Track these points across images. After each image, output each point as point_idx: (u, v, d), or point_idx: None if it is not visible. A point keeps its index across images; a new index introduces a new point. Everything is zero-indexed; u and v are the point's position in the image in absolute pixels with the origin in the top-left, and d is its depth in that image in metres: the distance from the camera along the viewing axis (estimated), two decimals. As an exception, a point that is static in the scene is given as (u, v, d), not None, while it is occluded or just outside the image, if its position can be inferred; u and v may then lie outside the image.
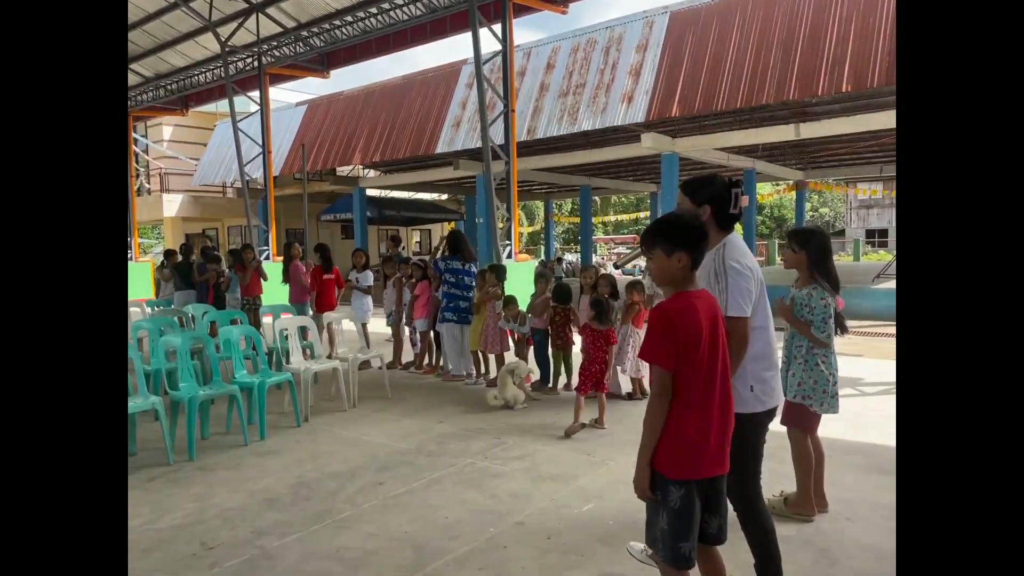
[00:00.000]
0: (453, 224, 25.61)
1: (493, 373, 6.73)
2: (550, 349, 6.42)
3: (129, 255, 17.64)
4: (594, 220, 23.72)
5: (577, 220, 27.90)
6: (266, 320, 8.86)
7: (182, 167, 21.84)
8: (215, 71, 15.14)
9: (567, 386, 6.43)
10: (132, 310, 8.48)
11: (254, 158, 14.23)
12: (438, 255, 7.22)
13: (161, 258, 11.05)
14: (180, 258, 9.78)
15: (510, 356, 6.65)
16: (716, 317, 2.07)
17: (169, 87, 16.44)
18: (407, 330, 7.86)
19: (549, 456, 4.46)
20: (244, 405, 5.00)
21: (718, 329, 2.06)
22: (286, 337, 6.08)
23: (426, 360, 7.60)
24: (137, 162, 20.37)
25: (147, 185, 22.33)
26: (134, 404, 4.49)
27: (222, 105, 19.55)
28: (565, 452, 4.54)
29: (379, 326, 9.05)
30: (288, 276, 8.35)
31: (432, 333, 7.45)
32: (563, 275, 17.89)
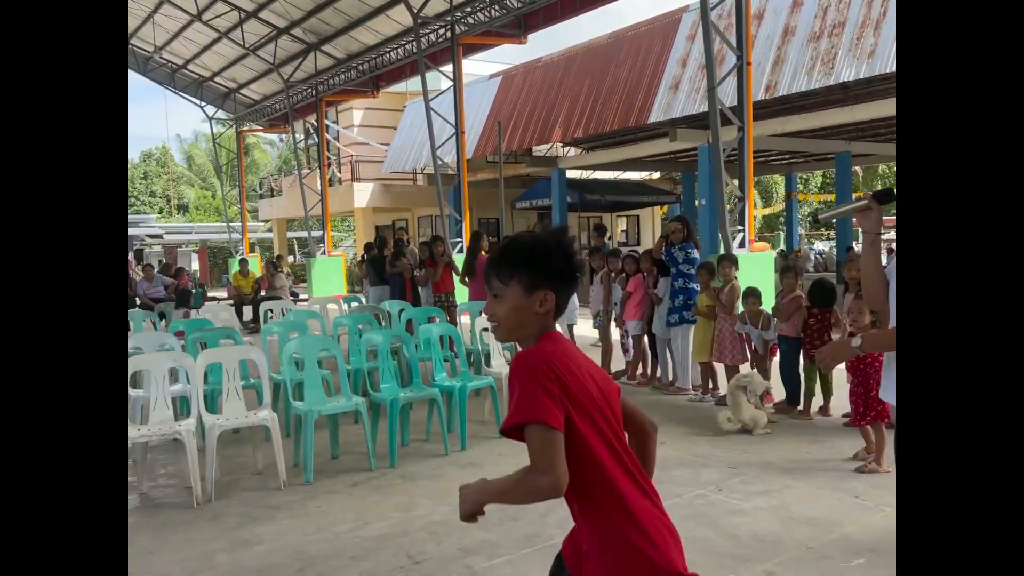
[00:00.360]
0: (666, 208, 25.26)
1: (724, 389, 6.55)
2: (801, 362, 6.08)
3: (322, 249, 20.00)
4: (855, 196, 21.84)
5: (829, 198, 25.96)
6: (463, 319, 9.50)
7: (373, 154, 24.20)
8: (406, 46, 16.57)
9: (823, 409, 6.05)
10: (330, 307, 9.61)
11: (446, 141, 15.32)
12: (667, 243, 7.12)
13: (361, 253, 12.38)
14: (376, 251, 10.88)
15: (746, 369, 6.41)
16: (602, 373, 1.70)
17: (360, 67, 18.34)
18: (617, 333, 7.95)
19: (802, 495, 4.25)
20: (444, 410, 5.43)
21: (609, 392, 1.66)
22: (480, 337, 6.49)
23: (640, 369, 7.62)
24: (328, 150, 22.99)
25: (338, 174, 25.08)
26: (337, 404, 5.11)
27: (412, 84, 21.33)
28: (823, 492, 4.29)
29: (585, 328, 9.26)
30: (472, 271, 8.87)
31: (647, 337, 7.45)
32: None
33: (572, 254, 1.69)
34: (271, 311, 9.05)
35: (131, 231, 35.00)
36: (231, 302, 14.59)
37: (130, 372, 4.80)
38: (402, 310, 7.96)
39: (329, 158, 23.10)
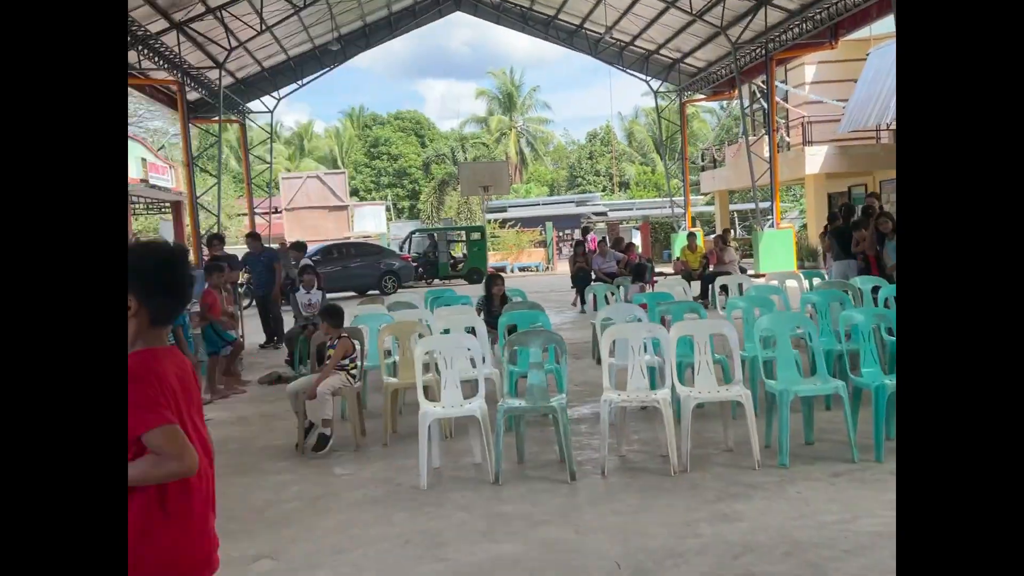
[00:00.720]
0: None
1: None
2: None
3: (769, 221, 19.72)
4: None
5: None
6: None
7: (827, 113, 22.95)
8: (874, -16, 15.27)
9: None
10: (788, 283, 9.46)
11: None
12: None
13: (824, 224, 11.95)
14: (840, 221, 10.37)
15: None
16: (190, 384, 1.96)
17: (817, 17, 17.47)
18: None
19: None
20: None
21: (193, 402, 1.96)
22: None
23: None
24: (776, 113, 22.47)
25: (787, 139, 24.37)
26: (814, 387, 5.04)
27: (876, 28, 19.63)
28: None
29: None
30: None
31: None
32: None
33: (164, 267, 1.89)
34: (726, 286, 9.27)
35: (578, 209, 39.09)
36: (679, 277, 15.34)
37: (609, 340, 5.40)
38: (878, 288, 7.45)
39: (778, 122, 22.59)
